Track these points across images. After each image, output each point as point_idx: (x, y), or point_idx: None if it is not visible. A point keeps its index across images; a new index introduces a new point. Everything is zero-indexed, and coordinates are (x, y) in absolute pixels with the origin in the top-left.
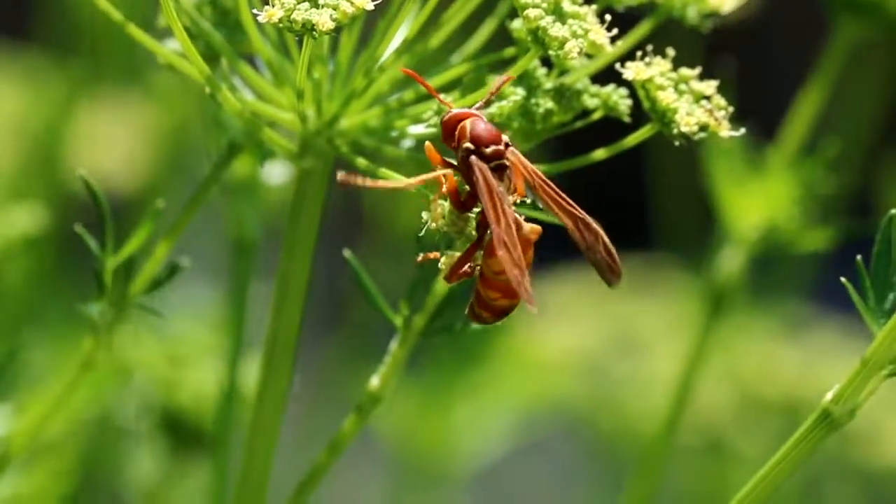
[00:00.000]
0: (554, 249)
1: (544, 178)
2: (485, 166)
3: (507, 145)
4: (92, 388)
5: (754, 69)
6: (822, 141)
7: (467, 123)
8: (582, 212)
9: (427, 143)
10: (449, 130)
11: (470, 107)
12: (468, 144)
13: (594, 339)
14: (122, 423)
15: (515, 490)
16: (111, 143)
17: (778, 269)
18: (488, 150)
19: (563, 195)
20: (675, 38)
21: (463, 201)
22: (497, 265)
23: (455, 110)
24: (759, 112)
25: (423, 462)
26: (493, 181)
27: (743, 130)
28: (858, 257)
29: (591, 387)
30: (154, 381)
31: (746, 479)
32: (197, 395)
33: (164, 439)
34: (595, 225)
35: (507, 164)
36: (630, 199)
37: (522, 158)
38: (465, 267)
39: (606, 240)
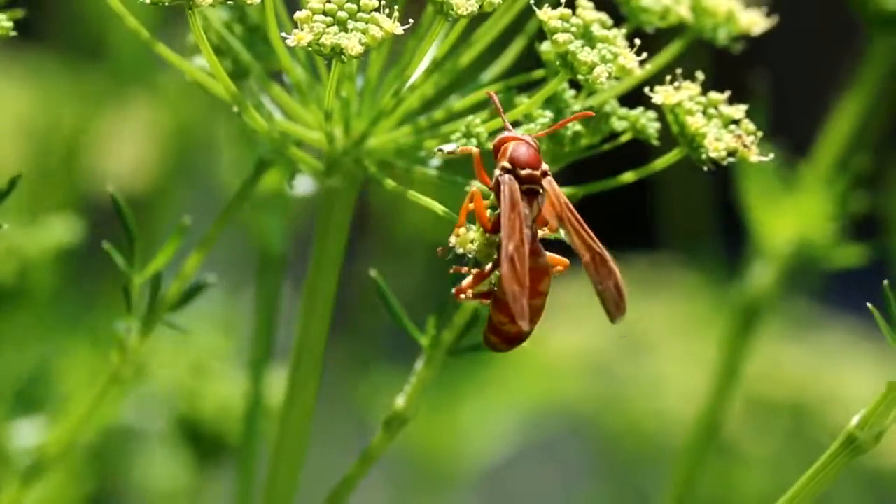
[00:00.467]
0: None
1: (573, 210)
2: (515, 186)
3: (544, 174)
4: (120, 398)
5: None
6: (856, 158)
7: (511, 144)
8: (601, 247)
9: (476, 153)
10: (497, 151)
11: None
12: (505, 163)
13: (600, 340)
14: (142, 430)
15: (521, 491)
16: (120, 144)
17: (793, 275)
18: (523, 172)
19: (587, 229)
20: (706, 54)
21: (493, 223)
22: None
23: (507, 133)
24: (792, 128)
25: (430, 462)
26: (520, 202)
27: (772, 155)
28: (885, 282)
29: (597, 387)
30: (177, 389)
31: (754, 481)
32: (219, 405)
33: (185, 448)
34: (611, 263)
35: (540, 190)
36: (636, 200)
37: (557, 189)
38: (481, 287)
39: (619, 278)
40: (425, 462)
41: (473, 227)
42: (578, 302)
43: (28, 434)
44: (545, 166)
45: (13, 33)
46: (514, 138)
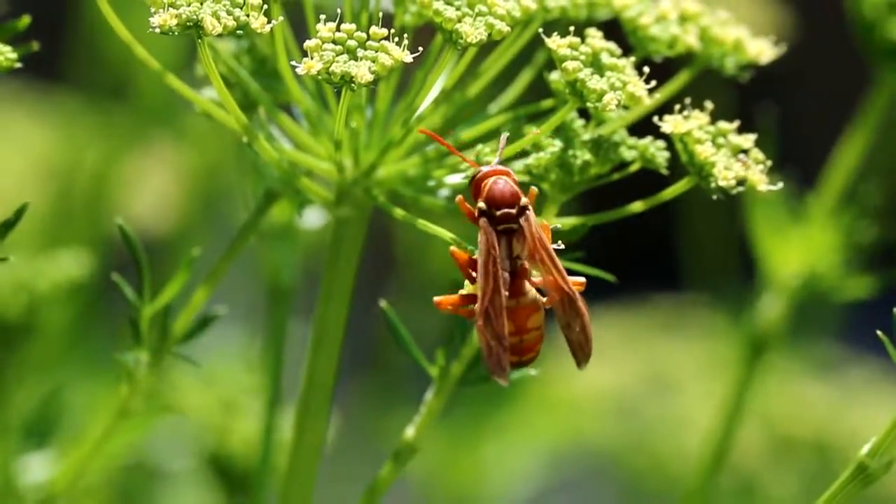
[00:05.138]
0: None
1: (548, 248)
2: (491, 230)
3: (522, 209)
4: (133, 431)
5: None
6: (864, 189)
7: (489, 182)
8: (572, 289)
9: (459, 196)
10: (476, 188)
11: (502, 162)
12: (481, 204)
13: (625, 379)
14: (166, 467)
15: None
16: (145, 185)
17: (810, 312)
18: (499, 213)
19: (560, 269)
20: (715, 85)
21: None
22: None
23: (485, 168)
24: (800, 160)
25: (453, 500)
26: (495, 248)
27: (781, 184)
28: (895, 309)
29: (621, 427)
30: (205, 426)
31: None
32: (247, 440)
33: (214, 484)
34: (580, 304)
35: (516, 228)
36: (661, 241)
37: (534, 225)
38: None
39: (586, 321)
40: (448, 500)
41: None
42: (602, 343)
43: (37, 469)
44: (525, 200)
45: (18, 65)
46: (493, 172)
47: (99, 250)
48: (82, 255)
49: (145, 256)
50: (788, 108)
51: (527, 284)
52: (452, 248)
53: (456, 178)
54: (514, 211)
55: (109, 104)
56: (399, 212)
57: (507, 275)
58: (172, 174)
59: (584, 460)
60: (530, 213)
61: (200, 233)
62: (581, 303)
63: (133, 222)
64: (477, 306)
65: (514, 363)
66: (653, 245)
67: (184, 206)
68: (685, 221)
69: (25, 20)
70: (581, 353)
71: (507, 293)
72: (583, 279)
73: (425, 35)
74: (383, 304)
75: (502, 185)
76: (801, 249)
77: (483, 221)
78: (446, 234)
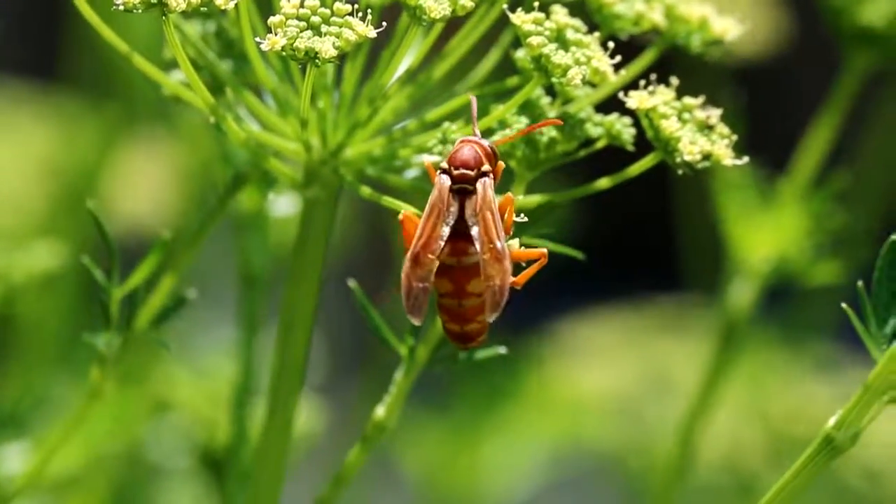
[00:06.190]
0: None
1: (495, 211)
2: (445, 185)
3: (481, 174)
4: (118, 422)
5: (766, 101)
6: (834, 173)
7: (458, 146)
8: (504, 248)
9: (428, 163)
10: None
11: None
12: (444, 164)
13: (624, 379)
14: (157, 459)
15: None
16: (140, 183)
17: (805, 307)
18: (456, 172)
19: (499, 229)
20: (688, 72)
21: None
22: (440, 287)
23: (466, 137)
24: (771, 144)
25: (452, 500)
26: (444, 201)
27: (747, 159)
28: (860, 283)
29: (621, 426)
30: (194, 419)
31: None
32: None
33: (205, 478)
34: (506, 264)
35: (470, 189)
36: (661, 241)
37: (488, 190)
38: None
39: (506, 280)
40: (448, 499)
41: None
42: (604, 343)
43: (13, 459)
44: (486, 167)
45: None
46: (465, 140)
47: (96, 247)
48: (58, 247)
49: (114, 238)
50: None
51: (472, 248)
52: (402, 213)
53: (422, 158)
54: (472, 173)
55: (106, 102)
56: (366, 190)
57: (446, 229)
58: (168, 170)
59: (583, 460)
60: (489, 180)
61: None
62: (507, 262)
63: (129, 218)
64: (408, 253)
65: (457, 332)
66: (653, 245)
67: (180, 202)
68: (684, 223)
69: None
70: (490, 308)
71: (448, 248)
72: (543, 250)
73: (392, 15)
74: (352, 283)
75: (467, 149)
76: (770, 234)
77: (439, 177)
78: (412, 210)
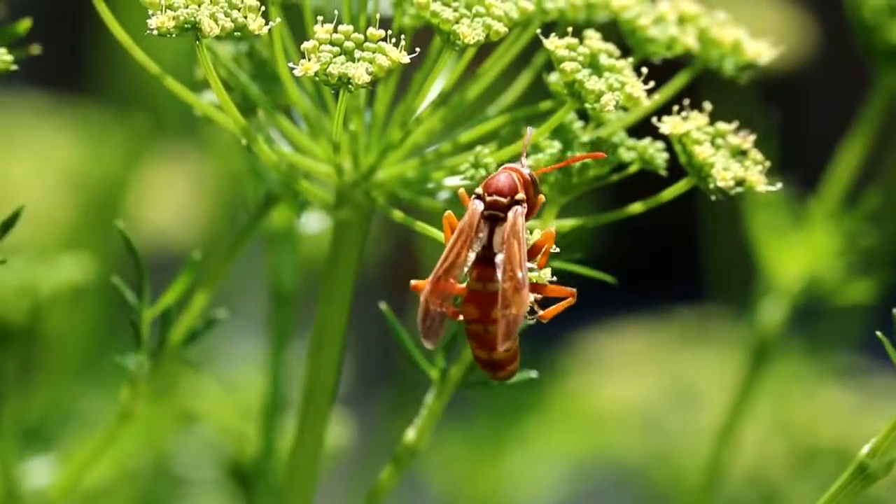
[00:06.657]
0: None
1: (522, 244)
2: (477, 211)
3: (514, 202)
4: (147, 435)
5: (797, 120)
6: (865, 192)
7: (496, 172)
8: (524, 281)
9: (461, 189)
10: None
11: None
12: (479, 189)
13: (648, 391)
14: (184, 472)
15: None
16: (169, 197)
17: (830, 321)
18: (489, 198)
19: (523, 261)
20: (716, 89)
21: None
22: (467, 314)
23: (507, 164)
24: (801, 163)
25: None
26: (474, 224)
27: (780, 185)
28: (895, 310)
29: (644, 438)
30: (222, 431)
31: None
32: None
33: (234, 491)
34: (524, 298)
35: (502, 216)
36: (684, 254)
37: (518, 220)
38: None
39: (518, 316)
40: None
41: None
42: (627, 355)
43: (40, 473)
44: (520, 196)
45: (14, 68)
46: (507, 168)
47: (123, 261)
48: (85, 260)
49: (144, 257)
50: (792, 110)
51: (496, 273)
52: (461, 191)
53: (454, 181)
54: (504, 200)
55: (132, 114)
56: (398, 214)
57: (472, 255)
58: (196, 185)
59: (607, 472)
60: (521, 209)
61: (224, 243)
62: (526, 292)
63: (158, 233)
64: (431, 274)
65: (486, 359)
66: (676, 258)
67: (208, 217)
68: (708, 234)
69: (25, 24)
70: (504, 331)
71: (475, 274)
72: (573, 290)
73: (424, 38)
74: (383, 306)
75: (504, 176)
76: (802, 253)
77: (472, 202)
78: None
